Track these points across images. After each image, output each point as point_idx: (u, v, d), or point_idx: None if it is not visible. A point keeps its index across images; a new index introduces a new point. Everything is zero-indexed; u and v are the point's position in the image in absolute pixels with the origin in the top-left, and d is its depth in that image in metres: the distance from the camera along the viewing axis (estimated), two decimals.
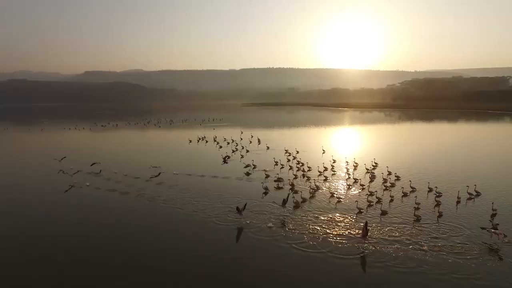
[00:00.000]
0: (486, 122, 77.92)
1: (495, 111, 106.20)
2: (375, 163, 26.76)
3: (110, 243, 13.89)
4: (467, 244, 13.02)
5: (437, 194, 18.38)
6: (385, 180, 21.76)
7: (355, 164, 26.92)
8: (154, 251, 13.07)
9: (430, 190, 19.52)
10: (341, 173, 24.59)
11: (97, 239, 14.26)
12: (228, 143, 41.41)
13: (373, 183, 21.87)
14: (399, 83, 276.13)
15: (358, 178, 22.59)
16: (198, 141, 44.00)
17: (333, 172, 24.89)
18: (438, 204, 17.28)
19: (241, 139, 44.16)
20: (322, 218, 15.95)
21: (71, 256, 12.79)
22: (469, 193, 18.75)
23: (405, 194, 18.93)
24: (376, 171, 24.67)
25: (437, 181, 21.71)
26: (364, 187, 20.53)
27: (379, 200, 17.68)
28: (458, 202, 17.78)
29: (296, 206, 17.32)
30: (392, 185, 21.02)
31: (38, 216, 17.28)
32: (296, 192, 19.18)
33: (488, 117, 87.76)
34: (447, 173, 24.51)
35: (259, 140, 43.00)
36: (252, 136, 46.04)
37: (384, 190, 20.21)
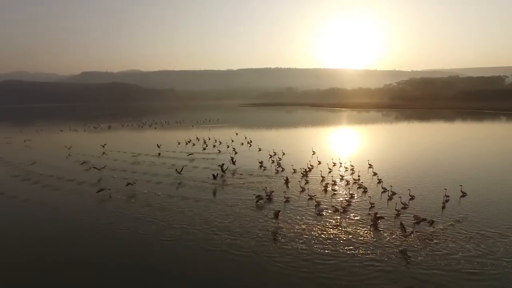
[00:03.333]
0: (482, 122, 78.49)
1: (491, 110, 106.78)
2: (369, 164, 26.74)
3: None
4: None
5: (393, 193, 18.85)
6: (360, 185, 21.38)
7: (339, 165, 27.43)
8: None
9: (385, 190, 19.67)
10: (324, 174, 24.39)
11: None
12: (214, 146, 40.55)
13: (353, 186, 21.72)
14: (396, 82, 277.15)
15: (335, 180, 22.71)
16: (186, 144, 43.13)
17: (306, 172, 24.87)
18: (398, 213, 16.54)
19: (232, 140, 43.27)
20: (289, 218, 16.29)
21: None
22: (446, 196, 18.17)
23: (390, 198, 18.66)
24: (362, 173, 24.42)
25: (426, 183, 22.17)
26: (336, 192, 20.24)
27: (349, 203, 17.54)
28: (443, 207, 17.38)
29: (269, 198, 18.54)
30: (364, 188, 20.67)
31: None
32: (268, 197, 19.28)
33: (484, 117, 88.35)
34: (436, 174, 24.82)
35: (250, 142, 42.28)
36: (246, 138, 45.86)
37: (363, 192, 20.11)
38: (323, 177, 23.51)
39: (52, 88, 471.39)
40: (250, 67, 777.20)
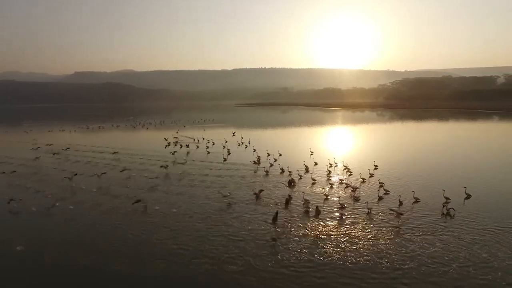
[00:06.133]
0: (477, 121, 79.02)
1: (484, 110, 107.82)
2: (375, 165, 25.82)
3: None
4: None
5: (386, 191, 19.39)
6: (354, 188, 20.30)
7: (335, 165, 26.97)
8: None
9: (386, 192, 19.35)
10: (322, 176, 23.78)
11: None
12: (208, 147, 38.21)
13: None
14: (390, 82, 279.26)
15: (332, 182, 22.16)
16: (175, 144, 41.11)
17: (302, 174, 24.26)
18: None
19: (226, 141, 41.33)
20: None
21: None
22: (446, 197, 17.15)
23: (400, 203, 17.11)
24: (357, 175, 23.67)
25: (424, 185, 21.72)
26: (332, 195, 19.33)
27: (342, 206, 16.85)
28: (446, 213, 16.07)
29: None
30: (359, 191, 19.78)
31: None
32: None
33: (478, 116, 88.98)
34: (435, 175, 24.46)
35: (244, 143, 40.97)
36: (242, 138, 44.75)
37: (360, 194, 19.30)
38: (313, 180, 22.48)
39: (44, 88, 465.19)
40: (245, 67, 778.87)
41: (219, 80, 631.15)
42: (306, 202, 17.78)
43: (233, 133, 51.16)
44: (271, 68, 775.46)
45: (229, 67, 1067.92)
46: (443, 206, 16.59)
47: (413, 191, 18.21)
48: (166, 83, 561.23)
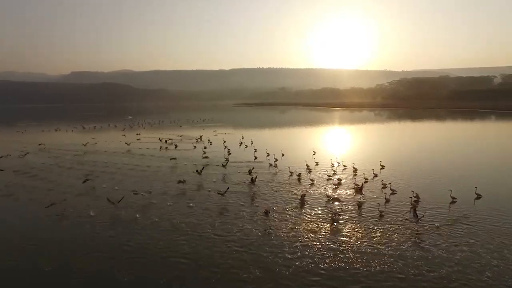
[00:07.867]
0: (476, 121, 79.03)
1: (483, 109, 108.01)
2: (381, 165, 25.17)
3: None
4: None
5: (392, 191, 18.72)
6: (357, 187, 19.77)
7: (337, 165, 26.40)
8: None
9: (393, 192, 18.88)
10: (322, 177, 23.29)
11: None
12: (206, 147, 36.25)
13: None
14: (388, 82, 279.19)
15: (334, 183, 21.42)
16: (161, 147, 38.86)
17: (300, 175, 23.39)
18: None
19: (224, 141, 40.17)
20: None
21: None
22: (452, 197, 17.01)
23: (413, 206, 16.47)
24: (360, 175, 22.93)
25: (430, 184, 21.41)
26: (334, 196, 18.49)
27: (343, 209, 16.26)
28: (462, 215, 15.38)
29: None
30: (363, 193, 19.02)
31: None
32: None
33: (477, 116, 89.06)
34: (440, 174, 24.05)
35: (242, 143, 39.88)
36: (242, 137, 43.78)
37: (364, 196, 18.64)
38: (312, 180, 21.91)
39: (44, 88, 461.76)
40: (242, 67, 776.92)
41: (217, 80, 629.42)
42: (306, 202, 17.59)
43: (214, 130, 51.05)
44: (269, 68, 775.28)
45: (227, 67, 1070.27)
46: (451, 203, 16.45)
47: (412, 191, 17.78)
48: (164, 83, 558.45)
